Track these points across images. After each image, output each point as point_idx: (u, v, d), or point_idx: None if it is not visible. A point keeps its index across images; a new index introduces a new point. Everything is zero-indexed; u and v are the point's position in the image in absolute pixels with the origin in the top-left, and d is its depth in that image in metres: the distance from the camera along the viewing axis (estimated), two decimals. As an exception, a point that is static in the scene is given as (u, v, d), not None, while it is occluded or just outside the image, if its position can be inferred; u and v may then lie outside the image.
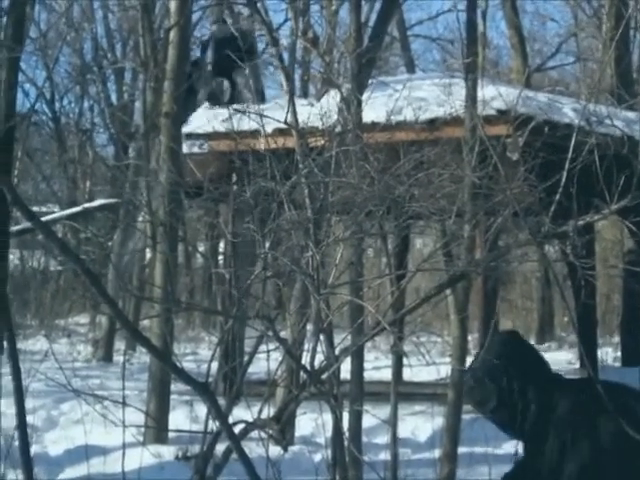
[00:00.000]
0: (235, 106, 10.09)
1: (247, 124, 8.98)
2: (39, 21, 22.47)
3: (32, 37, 21.18)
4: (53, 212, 19.39)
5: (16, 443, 7.64)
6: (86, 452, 7.81)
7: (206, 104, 11.78)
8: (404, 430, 8.37)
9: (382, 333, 5.00)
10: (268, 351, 4.37)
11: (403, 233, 9.51)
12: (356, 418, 6.79)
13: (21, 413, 5.27)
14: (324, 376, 4.58)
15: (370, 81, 8.17)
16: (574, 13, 23.01)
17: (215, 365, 9.79)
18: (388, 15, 9.50)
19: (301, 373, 5.34)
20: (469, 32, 7.28)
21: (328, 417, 5.87)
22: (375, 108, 8.51)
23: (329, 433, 6.30)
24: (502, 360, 3.55)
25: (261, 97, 11.71)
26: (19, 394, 5.25)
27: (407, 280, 5.54)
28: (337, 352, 4.80)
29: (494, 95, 8.77)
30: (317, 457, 8.22)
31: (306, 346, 6.82)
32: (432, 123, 9.16)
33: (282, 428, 4.69)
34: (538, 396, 3.52)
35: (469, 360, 8.21)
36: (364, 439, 7.45)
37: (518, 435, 3.73)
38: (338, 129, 6.00)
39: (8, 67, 15.06)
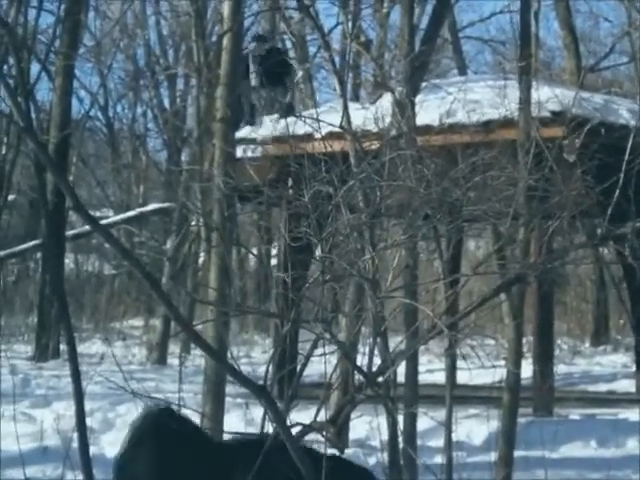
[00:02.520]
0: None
1: (300, 128, 9.05)
2: (93, 28, 22.77)
3: (86, 44, 21.45)
4: (107, 217, 19.61)
5: (74, 444, 7.73)
6: (143, 454, 7.87)
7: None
8: (459, 433, 8.33)
9: (436, 336, 5.00)
10: (325, 354, 4.38)
11: (458, 236, 9.48)
12: (411, 421, 6.78)
13: (80, 415, 5.33)
14: (380, 379, 4.59)
15: (423, 84, 8.16)
16: (628, 12, 22.76)
17: (269, 368, 9.81)
18: (440, 18, 9.47)
19: (356, 376, 5.35)
20: (523, 33, 7.23)
21: (383, 420, 5.87)
22: (428, 111, 8.51)
23: (384, 436, 6.30)
24: (149, 441, 3.11)
25: (291, 110, 11.87)
26: (78, 396, 5.32)
27: (463, 284, 5.53)
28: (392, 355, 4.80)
29: (549, 97, 8.71)
30: (372, 460, 8.21)
31: (360, 349, 6.83)
32: (486, 125, 9.12)
33: (338, 431, 4.71)
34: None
35: (524, 364, 8.17)
36: (418, 442, 7.42)
37: None
38: (393, 132, 6.00)
39: (63, 74, 15.29)
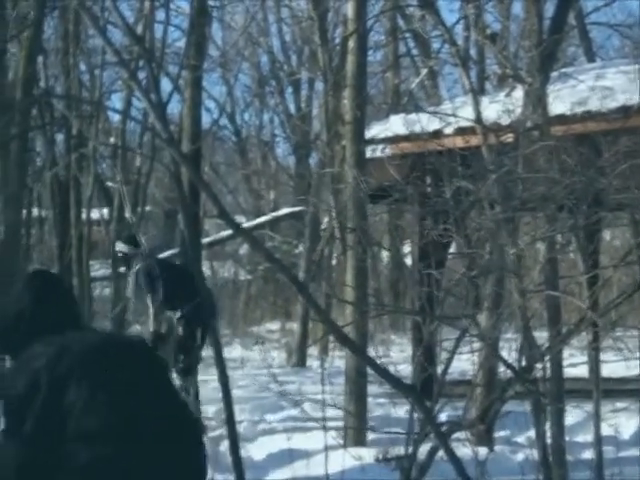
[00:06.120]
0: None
1: (426, 125, 9.01)
2: (218, 40, 23.19)
3: (211, 55, 21.86)
4: (242, 223, 19.93)
5: (220, 448, 7.87)
6: (289, 455, 7.97)
7: None
8: (606, 428, 8.14)
9: (586, 329, 4.90)
10: (473, 351, 4.35)
11: (598, 227, 9.29)
12: (558, 416, 6.66)
13: (230, 420, 5.45)
14: (530, 375, 4.53)
15: (553, 73, 8.03)
16: None
17: (409, 367, 9.78)
18: (567, 5, 9.32)
19: (500, 372, 5.28)
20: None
21: (529, 416, 5.78)
22: (560, 100, 8.36)
23: (530, 433, 6.20)
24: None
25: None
26: (227, 399, 5.44)
27: (610, 276, 5.41)
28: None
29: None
30: (518, 457, 8.10)
31: (501, 344, 6.76)
32: (624, 112, 8.89)
33: (487, 428, 4.67)
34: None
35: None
36: (565, 438, 7.29)
37: None
38: (528, 124, 5.92)
39: (192, 86, 15.59)
